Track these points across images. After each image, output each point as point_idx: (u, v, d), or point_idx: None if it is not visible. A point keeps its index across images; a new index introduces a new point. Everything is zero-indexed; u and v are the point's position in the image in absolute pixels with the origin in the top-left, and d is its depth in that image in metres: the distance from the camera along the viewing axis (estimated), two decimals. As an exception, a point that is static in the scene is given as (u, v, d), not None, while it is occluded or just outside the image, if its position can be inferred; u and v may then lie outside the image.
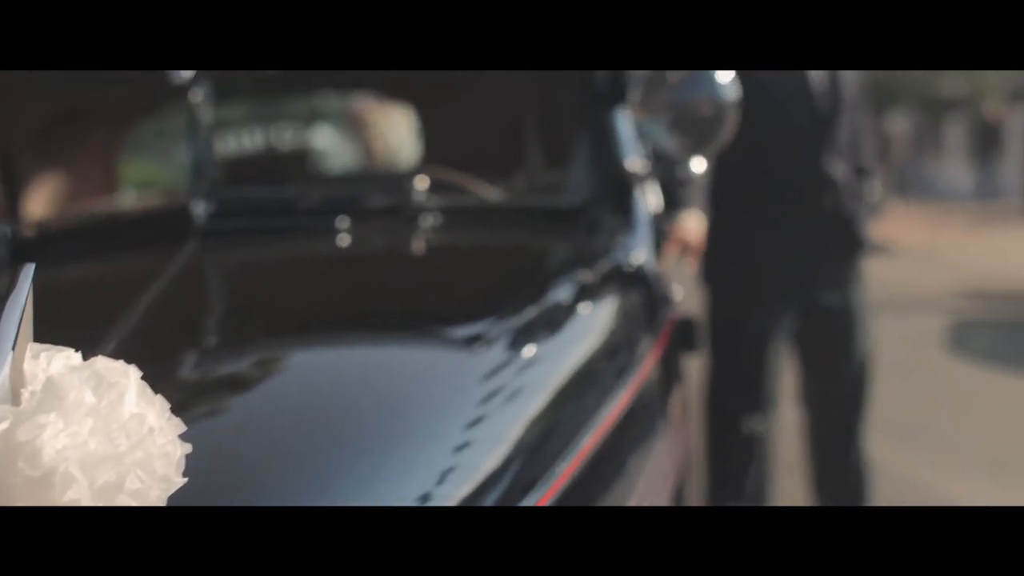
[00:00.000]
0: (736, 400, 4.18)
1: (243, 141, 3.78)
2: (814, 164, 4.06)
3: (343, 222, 2.73)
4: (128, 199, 3.45)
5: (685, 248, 3.59)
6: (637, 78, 2.89)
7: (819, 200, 4.10)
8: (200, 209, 2.72)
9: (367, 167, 3.93)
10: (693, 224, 3.67)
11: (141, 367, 1.28)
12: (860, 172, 4.18)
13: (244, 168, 3.63)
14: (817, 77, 4.03)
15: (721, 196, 3.97)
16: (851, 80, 4.13)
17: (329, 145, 3.92)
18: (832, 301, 4.20)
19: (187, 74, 2.77)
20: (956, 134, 28.31)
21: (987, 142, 25.68)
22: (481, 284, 2.56)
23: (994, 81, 28.82)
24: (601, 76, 2.97)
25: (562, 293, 2.47)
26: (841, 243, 4.19)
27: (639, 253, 2.79)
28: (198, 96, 2.85)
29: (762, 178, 4.06)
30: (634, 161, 2.90)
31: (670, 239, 3.28)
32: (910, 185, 27.99)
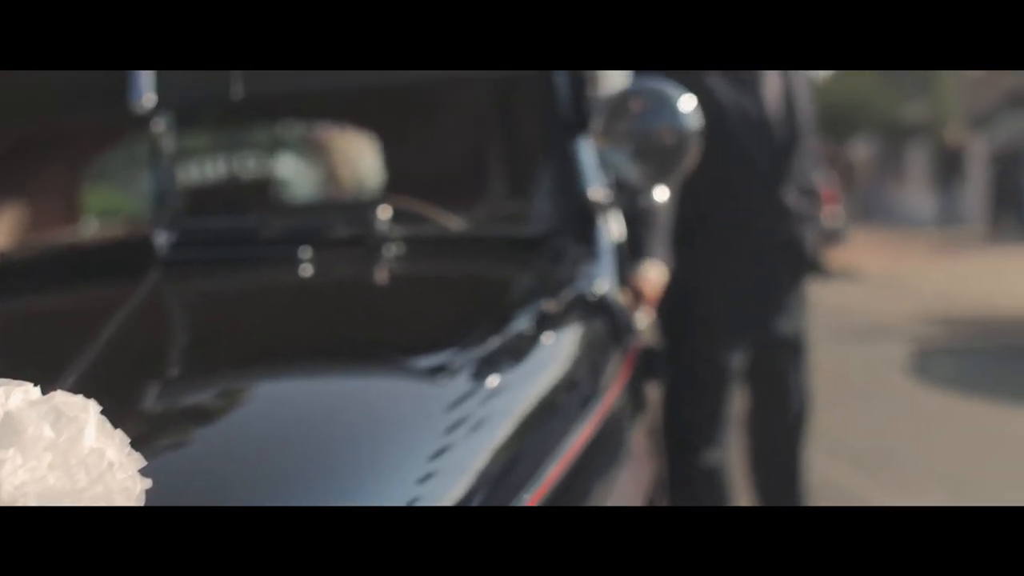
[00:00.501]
0: (696, 435, 4.18)
1: (206, 170, 3.77)
2: (772, 195, 4.08)
3: (306, 252, 2.73)
4: (90, 228, 3.43)
5: (639, 297, 3.56)
6: (599, 106, 2.89)
7: (775, 230, 4.11)
8: (162, 239, 2.71)
9: (332, 194, 3.92)
10: (654, 274, 3.66)
11: (103, 400, 1.27)
12: (810, 195, 4.20)
13: (207, 197, 3.62)
14: (774, 105, 4.04)
15: (681, 229, 3.97)
16: (806, 106, 4.14)
17: (293, 173, 3.91)
18: (783, 329, 4.22)
19: (149, 104, 2.76)
20: (918, 160, 28.49)
21: (949, 168, 25.84)
22: (444, 314, 2.55)
23: (955, 107, 29.03)
24: (563, 104, 2.97)
25: (525, 322, 2.47)
26: (792, 269, 4.21)
27: (602, 282, 2.79)
28: (160, 126, 2.84)
29: (720, 210, 4.07)
30: (597, 190, 2.90)
31: (629, 286, 3.26)
32: (872, 211, 28.14)
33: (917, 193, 28.12)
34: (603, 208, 2.89)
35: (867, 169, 29.76)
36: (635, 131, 2.78)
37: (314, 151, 3.95)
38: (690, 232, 4.02)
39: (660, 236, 3.75)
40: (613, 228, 2.95)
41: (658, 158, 2.77)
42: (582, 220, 2.88)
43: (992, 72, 34.77)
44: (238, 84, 2.77)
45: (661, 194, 2.86)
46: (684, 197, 3.84)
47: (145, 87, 2.74)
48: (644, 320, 3.32)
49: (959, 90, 30.74)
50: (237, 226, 2.97)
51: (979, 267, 17.99)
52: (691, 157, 2.82)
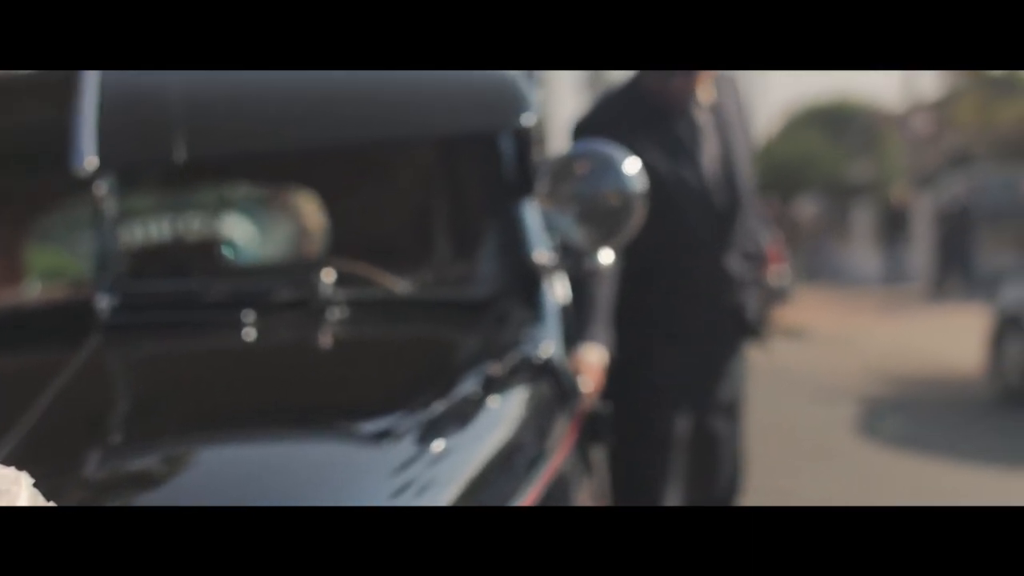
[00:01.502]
0: (640, 500, 4.16)
1: (150, 231, 3.74)
2: (714, 263, 4.07)
3: (249, 316, 2.71)
4: (33, 290, 3.40)
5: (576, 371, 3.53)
6: (544, 168, 2.89)
7: (718, 298, 4.10)
8: (104, 303, 2.69)
9: (302, 250, 3.89)
10: (593, 358, 3.64)
11: (43, 466, 1.26)
12: (754, 259, 4.20)
13: (151, 259, 3.60)
14: (711, 171, 4.04)
15: (625, 295, 3.95)
16: (745, 169, 4.14)
17: (239, 234, 3.89)
18: (723, 395, 4.21)
19: (91, 167, 2.72)
20: (863, 219, 28.69)
21: (893, 226, 26.00)
22: (389, 378, 2.54)
23: (900, 166, 29.29)
24: (508, 166, 2.96)
25: (471, 386, 2.46)
26: (735, 336, 4.20)
27: (548, 345, 2.78)
28: (102, 188, 2.82)
29: (663, 277, 4.06)
30: (542, 253, 2.89)
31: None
32: (818, 270, 28.29)
33: (863, 251, 28.26)
34: (548, 271, 2.88)
35: (813, 227, 29.93)
36: (580, 194, 2.77)
37: (279, 207, 3.93)
38: (634, 297, 4.01)
39: (601, 316, 3.73)
40: (559, 291, 2.94)
41: (603, 221, 2.76)
42: (527, 283, 2.87)
43: (936, 131, 35.10)
44: (181, 146, 2.74)
45: (606, 257, 2.85)
46: (627, 263, 3.83)
47: (87, 149, 2.71)
48: (589, 383, 3.30)
49: (903, 149, 30.97)
50: (180, 289, 2.95)
51: (925, 325, 18.10)
52: (636, 220, 2.81)
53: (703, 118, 4.00)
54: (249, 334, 2.70)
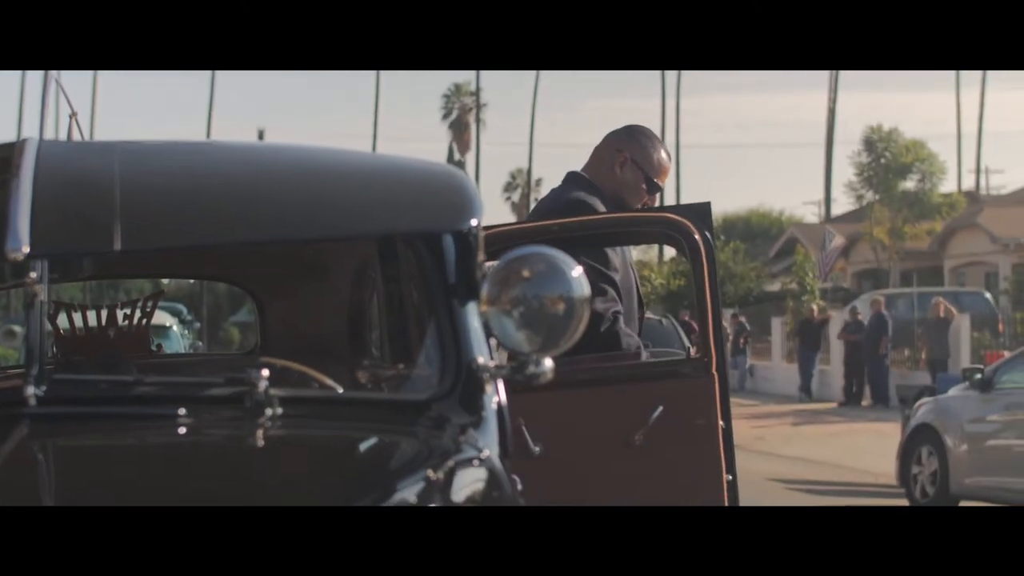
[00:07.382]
0: None
1: (84, 318, 3.67)
2: None
3: (182, 411, 2.64)
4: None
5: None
6: (488, 271, 2.84)
7: None
8: (32, 392, 2.61)
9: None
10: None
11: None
12: None
13: (84, 347, 3.53)
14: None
15: None
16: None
17: (173, 326, 3.84)
18: None
19: (24, 252, 2.63)
20: (779, 334, 28.93)
21: (809, 343, 26.18)
22: (323, 482, 2.49)
23: (816, 284, 29.61)
24: (451, 268, 2.91)
25: (408, 491, 2.42)
26: None
27: (487, 449, 2.74)
28: (34, 276, 2.73)
29: None
30: (483, 356, 2.84)
31: None
32: (734, 382, 28.48)
33: (779, 365, 28.46)
34: (489, 374, 2.83)
35: (731, 342, 30.06)
36: (523, 297, 2.72)
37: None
38: None
39: None
40: (500, 393, 2.88)
41: (546, 325, 2.72)
42: (467, 386, 2.82)
43: (848, 247, 35.55)
44: (117, 237, 2.67)
45: (547, 364, 2.79)
46: None
47: (21, 235, 2.62)
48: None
49: (816, 264, 31.30)
50: (110, 381, 2.88)
51: (839, 436, 18.25)
52: (579, 324, 2.76)
53: None
54: (180, 430, 2.64)
